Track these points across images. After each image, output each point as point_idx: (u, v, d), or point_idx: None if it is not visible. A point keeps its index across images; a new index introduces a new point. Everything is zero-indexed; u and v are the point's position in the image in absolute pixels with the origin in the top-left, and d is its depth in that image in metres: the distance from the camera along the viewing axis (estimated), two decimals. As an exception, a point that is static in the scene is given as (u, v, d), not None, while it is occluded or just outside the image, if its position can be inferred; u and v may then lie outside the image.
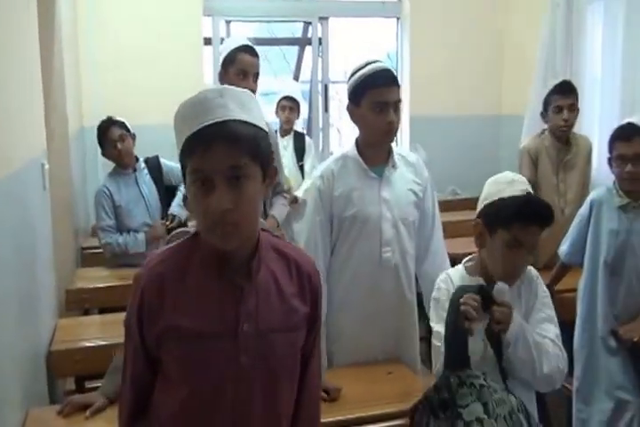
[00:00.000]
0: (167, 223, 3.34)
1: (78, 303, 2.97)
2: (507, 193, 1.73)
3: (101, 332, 2.54)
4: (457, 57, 4.75)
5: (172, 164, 3.64)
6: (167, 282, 1.19)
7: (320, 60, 4.83)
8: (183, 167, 1.17)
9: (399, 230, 2.15)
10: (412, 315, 2.23)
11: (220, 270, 1.19)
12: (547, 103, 3.18)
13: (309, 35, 4.80)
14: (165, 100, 4.23)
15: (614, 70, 3.86)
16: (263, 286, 1.22)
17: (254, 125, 1.16)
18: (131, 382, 1.25)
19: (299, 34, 4.86)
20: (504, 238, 1.70)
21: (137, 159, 3.40)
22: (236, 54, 2.71)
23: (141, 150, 3.45)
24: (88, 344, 2.36)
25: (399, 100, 2.08)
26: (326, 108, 4.91)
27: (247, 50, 2.71)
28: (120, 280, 3.04)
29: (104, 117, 3.34)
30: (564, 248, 2.74)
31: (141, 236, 3.28)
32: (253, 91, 2.74)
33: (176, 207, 3.44)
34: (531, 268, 1.83)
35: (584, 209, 2.62)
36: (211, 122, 1.12)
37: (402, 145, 4.74)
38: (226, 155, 1.11)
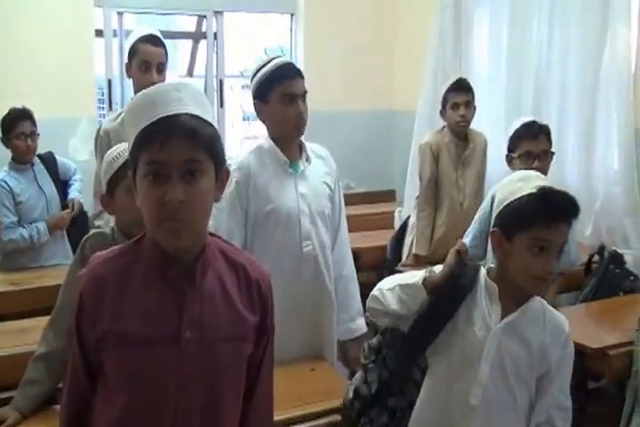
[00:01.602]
0: (69, 211, 3.29)
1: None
2: (524, 191, 1.55)
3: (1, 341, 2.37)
4: (350, 54, 4.82)
5: (64, 159, 3.50)
6: (108, 285, 1.16)
7: (215, 54, 4.77)
8: (134, 160, 1.14)
9: (317, 224, 2.18)
10: (332, 307, 2.25)
11: (164, 274, 1.16)
12: (445, 100, 3.29)
13: (204, 29, 4.73)
14: (52, 94, 4.10)
15: (500, 70, 4.06)
16: (209, 292, 1.18)
17: (210, 124, 1.15)
18: (69, 389, 1.21)
19: (192, 28, 4.77)
20: (526, 243, 1.51)
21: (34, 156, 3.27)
22: (137, 45, 2.64)
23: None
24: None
25: (305, 92, 2.12)
26: (221, 104, 4.85)
27: (149, 39, 2.63)
28: (12, 285, 2.88)
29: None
30: (466, 241, 2.84)
31: (42, 225, 3.18)
32: (155, 83, 2.65)
33: (74, 192, 3.37)
34: (563, 319, 1.63)
35: (485, 204, 2.71)
36: (170, 113, 1.10)
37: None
38: (184, 148, 1.09)
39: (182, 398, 1.15)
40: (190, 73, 5.24)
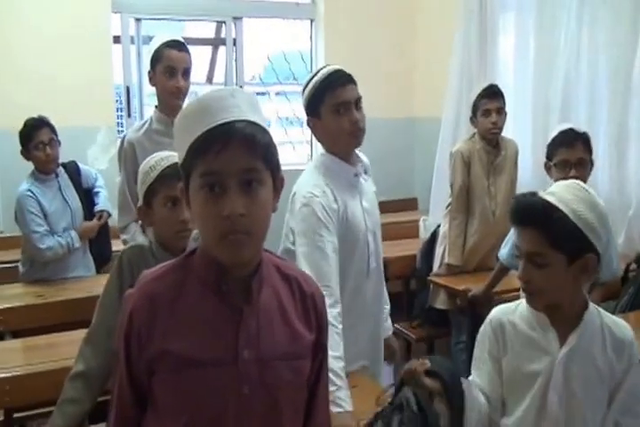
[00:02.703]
0: (98, 221, 3.26)
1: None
2: None
3: (25, 359, 2.32)
4: (371, 60, 4.77)
5: (86, 167, 3.45)
6: (160, 303, 1.09)
7: (234, 61, 4.71)
8: (187, 171, 1.08)
9: (376, 239, 2.10)
10: (385, 316, 2.22)
11: (219, 290, 1.10)
12: (475, 107, 3.24)
13: (222, 35, 4.67)
14: (70, 103, 4.05)
15: (526, 76, 4.00)
16: (265, 308, 1.13)
17: (266, 130, 1.10)
18: (116, 419, 1.13)
19: (212, 34, 4.71)
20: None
21: (58, 165, 3.20)
22: (162, 51, 2.56)
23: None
24: (14, 373, 2.14)
25: (359, 98, 1.98)
26: (241, 111, 4.78)
27: (174, 45, 2.56)
28: (37, 298, 2.81)
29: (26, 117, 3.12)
30: (504, 251, 2.78)
31: (74, 233, 3.15)
32: (182, 89, 2.59)
33: (104, 202, 3.32)
34: (622, 324, 1.58)
35: None
36: (227, 120, 1.05)
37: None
38: (242, 157, 1.04)
39: (240, 421, 1.09)
40: (210, 80, 5.17)
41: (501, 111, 3.22)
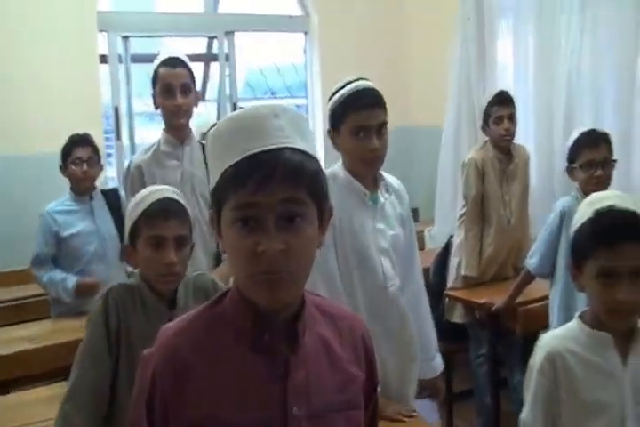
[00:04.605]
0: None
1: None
2: (585, 217, 1.47)
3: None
4: (367, 71, 4.68)
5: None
6: (189, 361, 0.94)
7: (227, 77, 4.61)
8: (220, 199, 0.94)
9: (393, 261, 1.98)
10: (414, 348, 2.04)
11: (259, 340, 0.95)
12: (486, 115, 3.18)
13: (214, 50, 4.58)
14: (56, 125, 3.90)
15: (527, 82, 3.96)
16: (312, 354, 0.98)
17: (315, 157, 0.96)
18: None
19: (203, 50, 4.62)
20: (593, 273, 1.42)
21: (95, 188, 3.07)
22: (158, 71, 2.51)
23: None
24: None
25: (384, 123, 1.86)
26: (236, 128, 4.68)
27: (168, 62, 2.48)
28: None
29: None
30: (533, 261, 2.73)
31: (72, 282, 2.88)
32: (181, 107, 2.49)
33: None
34: None
35: (553, 219, 2.62)
36: (268, 148, 0.90)
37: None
38: (283, 189, 0.90)
39: None
40: (202, 97, 5.08)
41: (513, 118, 3.18)
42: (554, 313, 2.66)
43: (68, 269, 2.95)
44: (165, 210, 1.68)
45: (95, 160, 3.02)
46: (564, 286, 2.57)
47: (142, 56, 4.70)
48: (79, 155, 2.97)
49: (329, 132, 1.94)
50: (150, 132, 4.79)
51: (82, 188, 3.02)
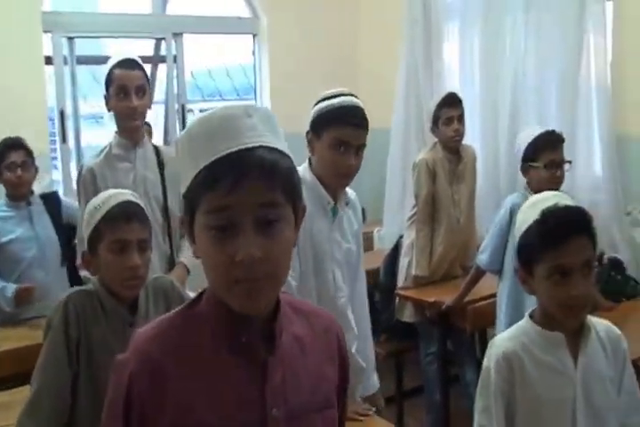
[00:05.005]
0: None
1: None
2: (530, 220, 1.48)
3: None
4: (316, 72, 4.71)
5: (69, 200, 3.18)
6: (166, 365, 0.92)
7: (175, 79, 4.56)
8: (192, 203, 0.91)
9: (344, 273, 1.99)
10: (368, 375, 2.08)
11: (236, 343, 0.94)
12: (436, 117, 3.23)
13: (162, 52, 4.53)
14: (1, 127, 3.79)
15: (473, 84, 4.02)
16: (288, 354, 0.97)
17: (287, 155, 0.94)
18: None
19: (150, 52, 4.56)
20: (545, 274, 1.43)
21: (32, 192, 2.98)
22: (112, 72, 2.48)
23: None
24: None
25: (363, 145, 1.90)
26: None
27: (123, 64, 2.46)
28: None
29: None
30: (484, 257, 2.78)
31: (11, 290, 2.79)
32: (137, 109, 2.47)
33: None
34: (611, 328, 1.56)
35: (502, 216, 2.68)
36: (242, 147, 0.88)
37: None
38: (259, 190, 0.88)
39: None
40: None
41: (462, 119, 3.24)
42: (502, 309, 2.72)
43: (7, 275, 2.88)
44: (127, 213, 1.66)
45: (29, 164, 2.95)
46: (513, 282, 2.62)
47: (88, 57, 4.63)
48: (13, 159, 2.90)
49: (307, 133, 1.95)
50: (96, 134, 4.71)
51: (18, 193, 2.95)
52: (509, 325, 2.60)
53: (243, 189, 0.87)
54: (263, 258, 0.87)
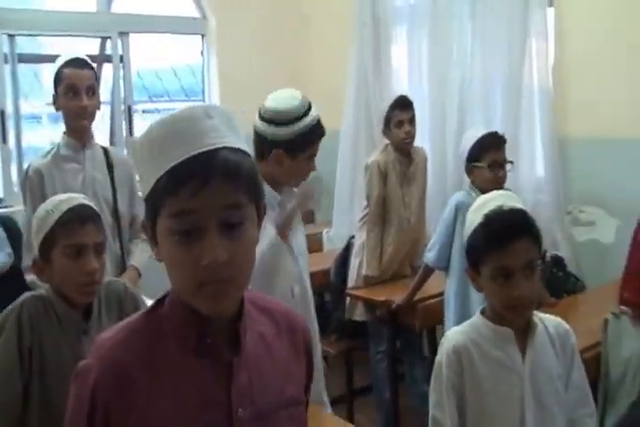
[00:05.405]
0: None
1: None
2: (475, 223, 1.52)
3: None
4: (265, 74, 4.70)
5: None
6: (131, 370, 0.91)
7: (121, 79, 4.47)
8: (154, 207, 0.90)
9: (301, 266, 2.05)
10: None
11: (202, 344, 0.94)
12: (388, 119, 3.26)
13: (108, 51, 4.44)
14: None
15: (422, 87, 4.08)
16: (254, 354, 0.97)
17: (248, 154, 0.94)
18: None
19: (95, 51, 4.45)
20: (489, 275, 1.48)
21: None
22: (61, 71, 2.45)
23: None
24: None
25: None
26: (131, 132, 4.55)
27: (72, 63, 2.44)
28: None
29: None
30: (432, 254, 2.83)
31: None
32: (87, 108, 2.45)
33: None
34: (559, 322, 1.61)
35: (448, 214, 2.73)
36: (204, 149, 0.87)
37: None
38: (223, 193, 0.87)
39: None
40: (96, 99, 4.89)
41: (413, 121, 3.28)
42: (449, 306, 2.77)
43: None
44: (82, 216, 1.62)
45: None
46: (459, 279, 2.69)
47: (30, 56, 4.50)
48: None
49: (265, 140, 1.95)
50: (37, 135, 4.59)
51: None
52: (457, 321, 2.69)
53: (207, 193, 0.86)
54: (228, 261, 0.87)
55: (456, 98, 3.85)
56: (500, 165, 2.69)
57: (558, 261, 3.29)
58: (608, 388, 2.43)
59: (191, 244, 0.87)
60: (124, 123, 4.50)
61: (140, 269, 2.52)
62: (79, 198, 1.70)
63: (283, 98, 1.91)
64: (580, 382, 1.58)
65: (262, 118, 1.91)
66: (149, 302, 1.03)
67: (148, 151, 0.91)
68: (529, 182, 3.68)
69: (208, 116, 0.90)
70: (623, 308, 2.51)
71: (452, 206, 2.73)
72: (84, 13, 4.35)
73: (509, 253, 1.43)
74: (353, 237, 3.53)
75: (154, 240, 0.93)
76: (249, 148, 0.96)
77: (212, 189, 0.86)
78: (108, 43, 4.41)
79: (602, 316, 2.53)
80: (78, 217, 1.62)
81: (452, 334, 1.57)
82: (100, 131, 4.23)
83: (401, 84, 4.23)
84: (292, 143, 1.89)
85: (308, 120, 1.89)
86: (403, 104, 3.27)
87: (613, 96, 3.33)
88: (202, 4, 4.67)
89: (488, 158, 2.68)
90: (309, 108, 1.92)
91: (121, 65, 4.43)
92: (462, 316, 2.67)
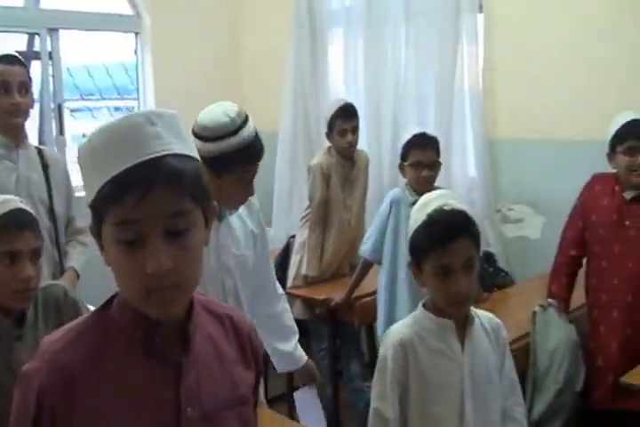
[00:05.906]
0: None
1: None
2: (419, 222, 1.57)
3: None
4: (200, 73, 4.67)
5: None
6: (79, 373, 0.91)
7: (51, 76, 4.34)
8: (99, 214, 0.89)
9: (236, 281, 1.97)
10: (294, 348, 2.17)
11: (150, 346, 0.94)
12: (331, 126, 3.28)
13: (36, 48, 4.30)
14: None
15: (358, 90, 4.15)
16: (203, 355, 0.98)
17: (194, 158, 0.93)
18: None
19: (23, 47, 4.30)
20: (431, 272, 1.54)
21: None
22: None
23: None
24: None
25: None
26: (61, 131, 4.42)
27: (3, 59, 2.39)
28: None
29: None
30: (367, 246, 2.90)
31: None
32: (20, 106, 2.40)
33: None
34: (492, 315, 1.70)
35: (384, 209, 2.80)
36: (146, 158, 0.86)
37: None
38: (167, 201, 0.87)
39: None
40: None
41: (356, 130, 3.31)
42: (381, 295, 2.85)
43: None
44: (19, 222, 1.57)
45: None
46: (389, 271, 2.79)
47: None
48: None
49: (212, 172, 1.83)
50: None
51: None
52: (387, 311, 2.77)
53: (150, 202, 0.86)
54: (173, 269, 0.87)
55: (391, 99, 3.94)
56: (425, 166, 2.72)
57: (489, 257, 3.41)
58: (536, 376, 2.56)
59: (136, 252, 0.87)
60: (53, 121, 4.37)
61: (78, 271, 2.48)
62: (16, 202, 1.64)
63: (213, 113, 1.81)
64: (510, 373, 1.68)
65: (192, 131, 1.82)
66: (90, 307, 1.03)
67: (91, 159, 0.90)
68: (462, 182, 3.81)
69: (150, 122, 0.89)
70: (550, 300, 2.65)
71: (388, 202, 2.80)
72: (11, 8, 4.20)
73: (450, 253, 1.50)
74: (293, 236, 3.56)
75: (101, 245, 0.93)
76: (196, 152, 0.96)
77: (155, 198, 0.86)
78: (37, 39, 4.27)
79: (530, 308, 2.66)
80: (15, 222, 1.57)
81: (398, 328, 1.63)
82: (29, 129, 4.10)
83: (337, 86, 4.29)
84: (217, 161, 1.77)
85: (236, 140, 1.78)
86: (347, 113, 3.26)
87: (540, 98, 3.48)
88: (136, 2, 4.59)
89: (412, 158, 2.72)
90: (241, 127, 1.79)
91: (50, 62, 4.29)
92: (391, 306, 2.79)
